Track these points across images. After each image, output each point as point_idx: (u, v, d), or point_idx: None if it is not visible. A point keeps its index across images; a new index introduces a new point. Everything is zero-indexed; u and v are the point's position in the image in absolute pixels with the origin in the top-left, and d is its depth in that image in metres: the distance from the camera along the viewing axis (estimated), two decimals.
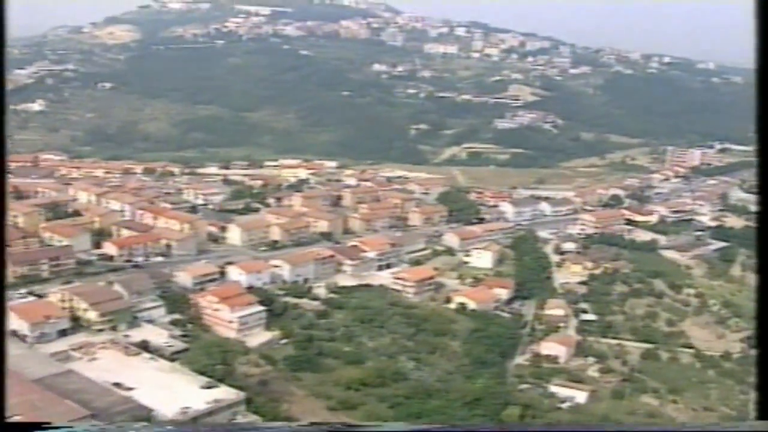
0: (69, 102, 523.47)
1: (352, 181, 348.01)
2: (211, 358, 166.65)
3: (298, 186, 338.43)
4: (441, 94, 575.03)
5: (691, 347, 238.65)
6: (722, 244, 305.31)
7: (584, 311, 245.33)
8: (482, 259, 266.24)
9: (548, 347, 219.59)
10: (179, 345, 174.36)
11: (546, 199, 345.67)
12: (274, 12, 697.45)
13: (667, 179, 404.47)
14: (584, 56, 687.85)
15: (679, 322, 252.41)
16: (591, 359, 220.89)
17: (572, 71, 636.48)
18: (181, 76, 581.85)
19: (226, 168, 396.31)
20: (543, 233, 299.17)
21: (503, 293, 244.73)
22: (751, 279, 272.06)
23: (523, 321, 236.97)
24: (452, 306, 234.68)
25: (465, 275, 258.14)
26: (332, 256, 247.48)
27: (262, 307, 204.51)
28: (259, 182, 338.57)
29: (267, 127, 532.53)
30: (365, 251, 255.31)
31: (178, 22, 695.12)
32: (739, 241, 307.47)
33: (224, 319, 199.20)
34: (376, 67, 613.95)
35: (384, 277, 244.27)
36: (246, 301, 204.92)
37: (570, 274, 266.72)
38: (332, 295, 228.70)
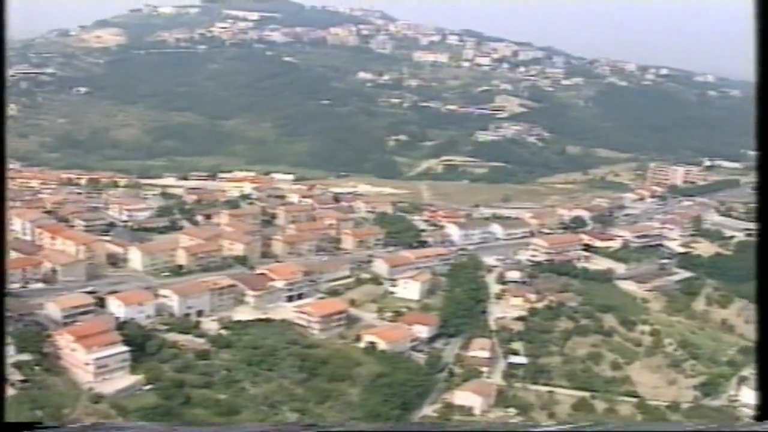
0: (41, 107, 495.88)
1: (295, 198, 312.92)
2: (38, 409, 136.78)
3: (234, 202, 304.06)
4: (425, 104, 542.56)
5: (634, 395, 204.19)
6: (687, 274, 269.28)
7: (514, 353, 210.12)
8: (409, 289, 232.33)
9: (462, 396, 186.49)
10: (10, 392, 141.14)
11: (506, 219, 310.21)
12: (263, 17, 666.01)
13: (641, 199, 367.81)
14: (578, 67, 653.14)
15: (626, 365, 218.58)
16: (512, 410, 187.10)
17: (564, 82, 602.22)
18: (159, 81, 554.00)
19: (185, 179, 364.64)
20: (489, 259, 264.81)
21: (423, 330, 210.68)
22: (715, 315, 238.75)
23: (441, 364, 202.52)
24: (362, 345, 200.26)
25: (386, 308, 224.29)
26: (232, 286, 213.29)
27: (124, 348, 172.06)
28: (194, 197, 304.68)
29: (241, 135, 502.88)
30: (273, 280, 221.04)
31: (166, 27, 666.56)
32: (706, 271, 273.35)
33: (80, 360, 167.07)
34: (362, 75, 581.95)
35: (290, 311, 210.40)
36: (107, 340, 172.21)
37: (509, 308, 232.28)
38: (223, 332, 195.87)
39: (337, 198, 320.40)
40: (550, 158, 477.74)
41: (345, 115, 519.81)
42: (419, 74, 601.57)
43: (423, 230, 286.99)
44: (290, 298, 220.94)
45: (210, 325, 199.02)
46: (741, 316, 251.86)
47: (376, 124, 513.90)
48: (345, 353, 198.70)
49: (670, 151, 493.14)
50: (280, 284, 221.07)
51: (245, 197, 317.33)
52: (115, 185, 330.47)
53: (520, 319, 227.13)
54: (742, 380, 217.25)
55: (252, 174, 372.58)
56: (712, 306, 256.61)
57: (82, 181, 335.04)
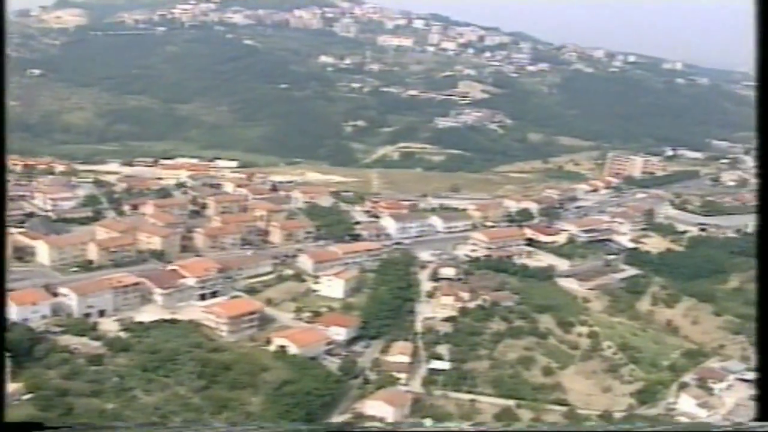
0: None
1: (230, 187, 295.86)
2: None
3: (166, 191, 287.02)
4: (386, 89, 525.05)
5: (564, 404, 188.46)
6: (633, 272, 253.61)
7: (439, 357, 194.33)
8: (333, 287, 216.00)
9: (374, 406, 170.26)
10: None
11: (449, 211, 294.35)
12: None
13: (595, 190, 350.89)
14: (545, 53, 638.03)
15: (559, 371, 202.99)
16: (428, 421, 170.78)
17: (530, 68, 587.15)
18: (116, 63, 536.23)
19: (130, 165, 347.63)
20: (424, 255, 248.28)
21: (341, 333, 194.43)
22: (660, 316, 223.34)
23: (356, 370, 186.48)
24: (272, 349, 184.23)
25: (306, 308, 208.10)
26: (137, 284, 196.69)
27: None
28: (124, 185, 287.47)
29: (197, 120, 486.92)
30: (185, 277, 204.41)
31: (127, 8, 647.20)
32: (654, 269, 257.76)
33: None
34: (323, 59, 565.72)
35: (199, 311, 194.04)
36: None
37: (438, 308, 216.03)
38: (122, 334, 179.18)
39: (275, 187, 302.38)
40: (510, 146, 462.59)
41: (302, 99, 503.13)
42: (382, 58, 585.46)
43: (358, 222, 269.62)
44: (203, 297, 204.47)
45: (110, 326, 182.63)
46: (688, 316, 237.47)
47: (334, 109, 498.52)
48: (252, 358, 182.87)
49: (634, 140, 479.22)
50: (191, 282, 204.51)
51: (180, 186, 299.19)
52: (50, 172, 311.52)
53: (449, 320, 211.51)
54: (682, 387, 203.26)
55: (193, 161, 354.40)
56: (657, 306, 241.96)
57: (18, 168, 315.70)
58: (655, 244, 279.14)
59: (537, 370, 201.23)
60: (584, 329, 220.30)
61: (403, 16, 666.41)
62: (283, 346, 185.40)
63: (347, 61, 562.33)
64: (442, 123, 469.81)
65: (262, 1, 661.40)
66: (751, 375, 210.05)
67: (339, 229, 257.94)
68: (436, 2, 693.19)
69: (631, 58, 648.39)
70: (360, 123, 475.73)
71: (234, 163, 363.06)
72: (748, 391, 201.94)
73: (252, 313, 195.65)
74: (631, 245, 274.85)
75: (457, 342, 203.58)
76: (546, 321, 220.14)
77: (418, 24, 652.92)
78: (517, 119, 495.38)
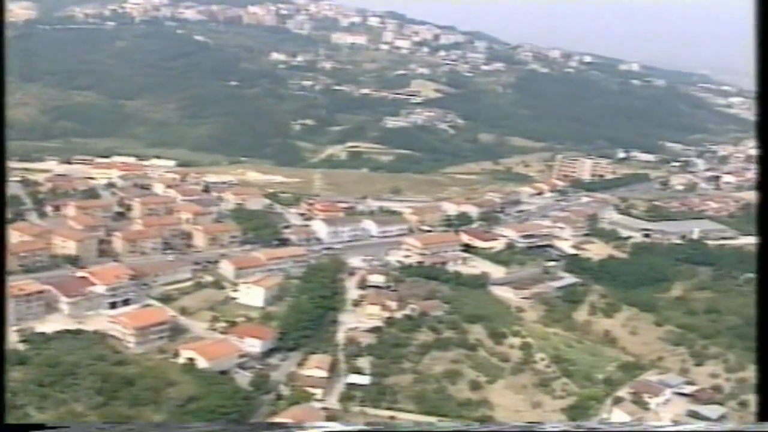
0: None
1: (161, 188, 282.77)
2: None
3: (93, 191, 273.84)
4: (338, 88, 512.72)
5: (489, 421, 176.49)
6: (572, 279, 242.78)
7: (358, 371, 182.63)
8: (252, 295, 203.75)
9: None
10: None
11: (385, 214, 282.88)
12: None
13: (539, 193, 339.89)
14: (500, 52, 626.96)
15: (487, 385, 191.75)
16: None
17: (484, 68, 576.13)
18: (62, 58, 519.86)
19: (68, 163, 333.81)
20: (354, 260, 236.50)
21: (256, 344, 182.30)
22: (598, 326, 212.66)
23: (269, 385, 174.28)
24: (181, 362, 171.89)
25: (222, 317, 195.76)
26: (41, 292, 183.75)
27: None
28: (50, 185, 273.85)
29: (143, 117, 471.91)
30: (94, 284, 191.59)
31: (78, 2, 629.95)
32: (594, 276, 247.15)
33: None
34: (275, 56, 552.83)
35: (105, 321, 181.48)
36: None
37: (364, 318, 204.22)
38: (20, 346, 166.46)
39: (207, 188, 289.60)
40: (460, 146, 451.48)
41: (251, 97, 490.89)
42: (335, 56, 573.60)
43: (288, 226, 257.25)
44: (113, 305, 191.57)
45: (10, 338, 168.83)
46: (627, 326, 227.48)
47: (283, 107, 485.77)
48: (158, 372, 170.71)
49: (586, 141, 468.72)
50: (101, 289, 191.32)
51: (110, 186, 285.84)
52: None
53: (373, 330, 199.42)
54: (617, 402, 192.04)
55: (130, 159, 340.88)
56: (595, 315, 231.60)
57: None
58: (597, 250, 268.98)
59: (463, 384, 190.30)
60: (517, 340, 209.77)
61: (358, 13, 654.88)
62: (191, 359, 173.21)
63: (299, 59, 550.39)
64: (392, 122, 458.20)
65: None
66: (689, 389, 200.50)
67: (267, 233, 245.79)
68: (393, 0, 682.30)
69: (587, 59, 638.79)
70: (309, 122, 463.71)
71: (172, 163, 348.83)
72: (685, 406, 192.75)
73: (161, 323, 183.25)
74: (572, 251, 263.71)
75: (381, 354, 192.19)
76: (477, 332, 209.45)
77: (374, 22, 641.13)
78: (469, 119, 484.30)
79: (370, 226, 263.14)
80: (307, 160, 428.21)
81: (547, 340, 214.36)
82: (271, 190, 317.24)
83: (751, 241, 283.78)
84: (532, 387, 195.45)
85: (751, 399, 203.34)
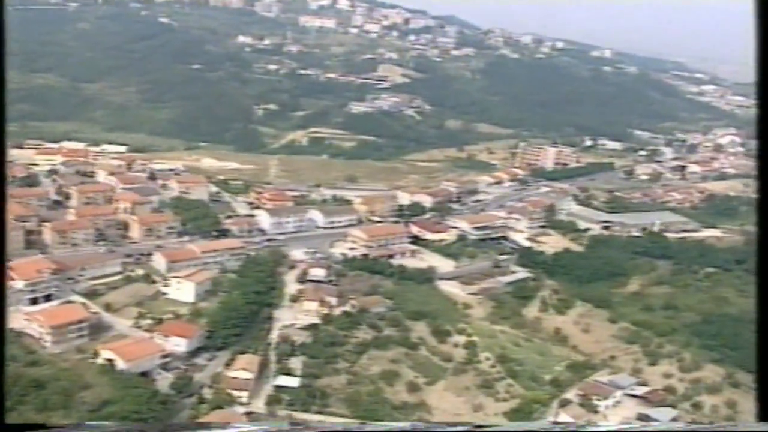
0: None
1: (102, 176, 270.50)
2: None
3: (34, 178, 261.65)
4: (303, 72, 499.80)
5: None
6: (524, 274, 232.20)
7: (289, 372, 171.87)
8: (183, 290, 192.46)
9: None
10: None
11: (334, 203, 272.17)
12: None
13: (498, 183, 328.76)
14: (471, 37, 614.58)
15: (426, 387, 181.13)
16: None
17: (454, 53, 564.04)
18: (23, 40, 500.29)
19: (19, 148, 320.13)
20: (296, 253, 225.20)
21: (182, 343, 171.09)
22: (549, 323, 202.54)
23: (191, 387, 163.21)
24: (100, 362, 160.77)
25: (149, 314, 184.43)
26: None
27: None
28: None
29: (103, 100, 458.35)
30: (13, 279, 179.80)
31: None
32: (547, 271, 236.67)
33: None
34: (241, 39, 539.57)
35: (21, 319, 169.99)
36: None
37: (300, 314, 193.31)
38: None
39: (153, 175, 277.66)
40: (425, 133, 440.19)
41: (214, 81, 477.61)
42: (303, 40, 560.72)
43: (230, 216, 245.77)
44: (35, 301, 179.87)
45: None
46: (579, 324, 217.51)
47: (246, 91, 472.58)
48: (73, 374, 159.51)
49: (554, 128, 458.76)
50: (20, 284, 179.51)
51: (53, 173, 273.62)
52: None
53: (309, 328, 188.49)
54: (564, 405, 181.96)
55: (80, 145, 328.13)
56: (546, 312, 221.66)
57: None
58: (553, 243, 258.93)
59: (401, 385, 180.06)
60: (461, 339, 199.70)
61: None
62: (110, 360, 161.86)
63: (266, 42, 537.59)
64: (356, 108, 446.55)
65: None
66: (641, 390, 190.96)
67: (206, 224, 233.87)
68: None
69: (560, 45, 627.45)
70: (272, 106, 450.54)
71: (123, 148, 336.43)
72: (636, 409, 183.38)
73: (81, 321, 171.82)
74: (527, 244, 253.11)
75: (315, 354, 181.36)
76: (419, 329, 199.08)
77: (343, 4, 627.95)
78: (436, 105, 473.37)
79: (316, 216, 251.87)
80: (268, 145, 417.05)
81: (494, 338, 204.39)
82: (223, 178, 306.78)
83: (713, 233, 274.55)
84: (475, 389, 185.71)
85: (705, 400, 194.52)
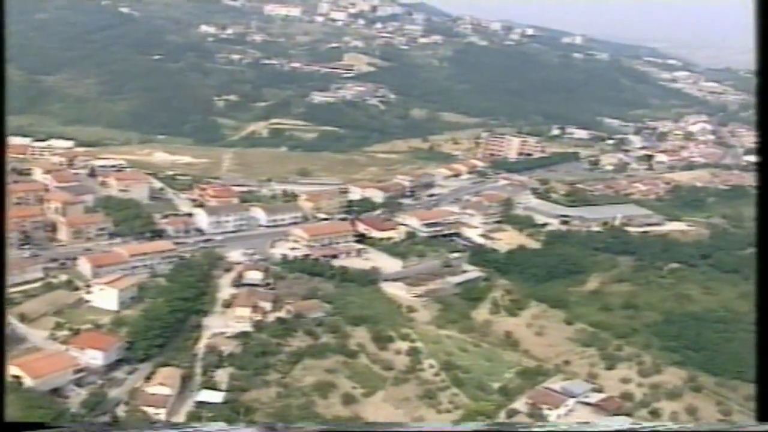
0: None
1: (39, 173, 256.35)
2: None
3: None
4: (267, 62, 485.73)
5: None
6: (475, 273, 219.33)
7: (212, 387, 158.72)
8: (106, 298, 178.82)
9: None
10: None
11: (282, 198, 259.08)
12: None
13: (456, 175, 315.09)
14: (439, 24, 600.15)
15: (363, 398, 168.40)
16: None
17: (422, 40, 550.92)
18: None
19: None
20: (234, 254, 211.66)
21: (98, 357, 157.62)
22: (500, 326, 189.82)
23: (105, 405, 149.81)
24: (6, 380, 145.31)
25: (68, 324, 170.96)
26: None
27: None
28: None
29: (61, 92, 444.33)
30: None
31: None
32: (500, 269, 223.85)
33: None
34: (204, 28, 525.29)
35: None
36: None
37: (232, 321, 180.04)
38: None
39: (93, 172, 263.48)
40: (390, 123, 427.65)
41: (175, 72, 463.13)
42: (268, 29, 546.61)
43: (167, 216, 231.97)
44: None
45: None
46: (533, 326, 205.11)
47: (207, 82, 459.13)
48: None
49: (522, 117, 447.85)
50: None
51: None
52: None
53: (239, 336, 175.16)
54: (511, 415, 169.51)
55: (26, 140, 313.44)
56: (498, 314, 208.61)
57: None
58: (508, 239, 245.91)
59: (336, 397, 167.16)
60: (404, 345, 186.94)
61: None
62: (17, 377, 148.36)
63: (229, 31, 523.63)
64: (318, 98, 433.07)
65: None
66: (595, 398, 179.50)
67: (139, 224, 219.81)
68: None
69: (529, 31, 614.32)
70: (232, 97, 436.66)
71: (71, 143, 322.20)
72: (589, 418, 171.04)
73: None
74: (481, 241, 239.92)
75: (243, 365, 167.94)
76: (360, 335, 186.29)
77: None
78: (401, 94, 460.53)
79: (258, 214, 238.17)
80: (227, 137, 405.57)
81: (439, 344, 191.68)
82: (171, 173, 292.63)
83: (677, 227, 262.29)
84: (416, 399, 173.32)
85: (665, 406, 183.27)
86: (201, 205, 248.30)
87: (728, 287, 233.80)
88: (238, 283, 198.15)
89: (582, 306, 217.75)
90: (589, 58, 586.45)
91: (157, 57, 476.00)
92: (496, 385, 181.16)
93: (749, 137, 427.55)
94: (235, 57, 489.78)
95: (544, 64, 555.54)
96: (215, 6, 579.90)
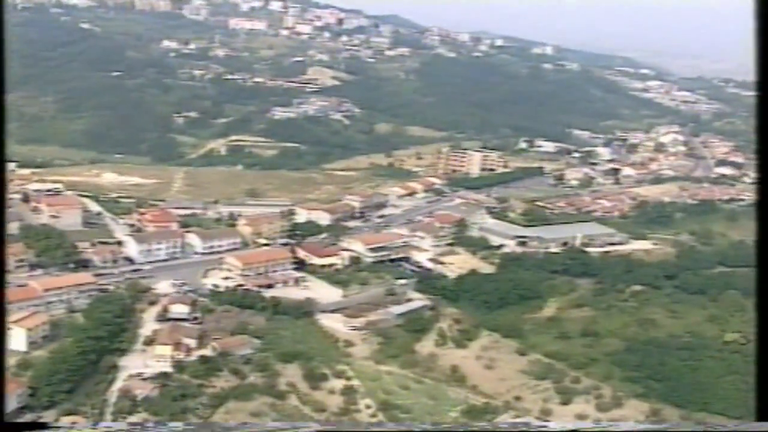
0: None
1: None
2: None
3: None
4: (230, 77, 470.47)
5: None
6: (419, 303, 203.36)
7: None
8: (14, 338, 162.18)
9: None
10: None
11: (220, 222, 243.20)
12: None
13: (411, 194, 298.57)
14: (407, 36, 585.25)
15: None
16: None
17: (389, 53, 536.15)
18: None
19: None
20: (163, 286, 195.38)
21: None
22: (446, 359, 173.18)
23: None
24: None
25: None
26: None
27: None
28: None
29: (17, 111, 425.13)
30: None
31: None
32: (449, 296, 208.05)
33: None
34: (166, 43, 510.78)
35: None
36: None
37: (151, 361, 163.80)
38: None
39: (26, 197, 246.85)
40: (353, 138, 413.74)
41: (133, 88, 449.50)
42: (231, 43, 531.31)
43: (95, 244, 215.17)
44: None
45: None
46: (482, 358, 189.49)
47: (166, 98, 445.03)
48: None
49: (490, 130, 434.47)
50: None
51: None
52: None
53: (158, 378, 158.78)
54: None
55: None
56: (444, 346, 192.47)
57: None
58: (460, 263, 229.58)
59: None
60: (339, 383, 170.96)
61: None
62: None
63: (192, 46, 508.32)
64: (279, 114, 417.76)
65: None
66: None
67: (60, 254, 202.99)
68: None
69: (498, 42, 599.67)
70: (192, 114, 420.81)
71: (13, 164, 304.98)
72: None
73: None
74: (430, 266, 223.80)
75: (159, 410, 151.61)
76: (291, 374, 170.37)
77: (275, 6, 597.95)
78: (366, 108, 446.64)
79: (194, 240, 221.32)
80: (185, 156, 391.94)
81: (378, 381, 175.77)
82: (116, 195, 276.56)
83: (642, 246, 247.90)
84: None
85: None
86: (138, 231, 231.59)
87: (695, 310, 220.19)
88: (162, 317, 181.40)
89: (537, 334, 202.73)
90: (560, 69, 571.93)
91: (116, 74, 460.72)
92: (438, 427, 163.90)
93: (721, 148, 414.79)
94: (197, 72, 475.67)
95: (512, 76, 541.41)
96: (179, 21, 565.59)
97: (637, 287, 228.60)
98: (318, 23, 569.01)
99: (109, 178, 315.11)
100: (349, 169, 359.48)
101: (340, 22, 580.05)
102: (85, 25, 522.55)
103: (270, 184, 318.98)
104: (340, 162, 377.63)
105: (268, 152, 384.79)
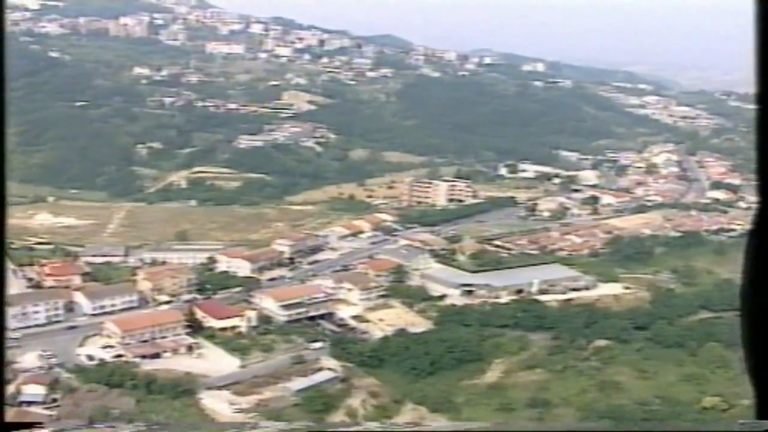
0: None
1: None
2: None
3: None
4: (201, 103, 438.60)
5: None
6: (330, 374, 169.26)
7: None
8: None
9: None
10: None
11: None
12: (44, 6, 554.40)
13: (356, 233, 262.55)
14: (390, 57, 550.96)
15: None
16: None
17: (370, 74, 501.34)
18: None
19: None
20: (29, 358, 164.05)
21: None
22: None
23: None
24: None
25: None
26: None
27: None
28: None
29: None
30: None
31: None
32: (368, 363, 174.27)
33: None
34: (137, 70, 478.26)
35: None
36: None
37: None
38: None
39: None
40: (325, 166, 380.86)
41: (97, 118, 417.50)
42: (206, 68, 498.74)
43: None
44: None
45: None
46: None
47: (131, 128, 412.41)
48: None
49: (472, 154, 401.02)
50: None
51: None
52: None
53: None
54: None
55: None
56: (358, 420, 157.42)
57: None
58: (392, 319, 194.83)
59: None
60: None
61: (240, 20, 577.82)
62: None
63: (164, 73, 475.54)
64: (246, 142, 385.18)
65: (87, 8, 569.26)
66: None
67: None
68: (283, 5, 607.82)
69: (486, 60, 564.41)
70: (156, 144, 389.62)
71: None
72: None
73: None
74: (354, 324, 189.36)
75: None
76: None
77: (256, 29, 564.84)
78: (342, 134, 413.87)
79: (82, 300, 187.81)
80: (144, 190, 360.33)
81: None
82: (36, 240, 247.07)
83: (610, 290, 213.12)
84: None
85: None
86: (37, 286, 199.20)
87: (669, 367, 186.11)
88: (13, 401, 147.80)
89: (473, 406, 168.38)
90: (550, 86, 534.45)
91: (79, 103, 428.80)
92: None
93: (717, 167, 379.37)
94: (168, 100, 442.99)
95: (499, 95, 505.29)
96: (154, 46, 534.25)
97: (602, 342, 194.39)
98: (299, 45, 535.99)
99: (40, 219, 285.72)
100: (307, 202, 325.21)
101: (322, 43, 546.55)
102: (54, 54, 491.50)
103: (215, 223, 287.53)
104: (308, 193, 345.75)
105: (231, 184, 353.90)
